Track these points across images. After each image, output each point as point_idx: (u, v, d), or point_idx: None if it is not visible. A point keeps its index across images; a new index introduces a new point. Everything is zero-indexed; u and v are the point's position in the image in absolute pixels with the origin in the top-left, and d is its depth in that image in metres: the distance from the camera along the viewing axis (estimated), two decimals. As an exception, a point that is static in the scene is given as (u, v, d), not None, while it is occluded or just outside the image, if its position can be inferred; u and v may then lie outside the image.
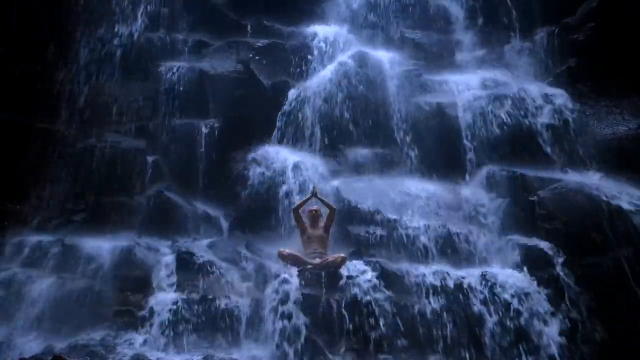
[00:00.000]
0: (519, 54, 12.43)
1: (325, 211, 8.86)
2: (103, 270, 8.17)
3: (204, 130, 10.74)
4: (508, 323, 7.43)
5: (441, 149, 10.33)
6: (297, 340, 7.34)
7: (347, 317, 7.54)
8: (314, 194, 8.90)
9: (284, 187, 9.75)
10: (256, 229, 9.50)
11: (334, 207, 8.87)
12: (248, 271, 8.49)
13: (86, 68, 11.34)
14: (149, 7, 12.44)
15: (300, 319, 7.46)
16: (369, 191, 9.48)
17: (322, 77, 11.34)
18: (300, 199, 9.18)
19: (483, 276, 7.79)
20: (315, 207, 8.90)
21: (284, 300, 7.59)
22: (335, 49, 12.28)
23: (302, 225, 8.75)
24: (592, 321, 7.42)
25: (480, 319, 7.47)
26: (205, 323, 7.64)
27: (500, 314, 7.48)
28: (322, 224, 8.72)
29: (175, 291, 7.95)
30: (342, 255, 8.11)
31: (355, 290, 7.70)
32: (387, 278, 7.82)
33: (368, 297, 7.63)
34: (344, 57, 11.58)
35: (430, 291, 7.67)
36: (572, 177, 8.99)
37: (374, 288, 7.72)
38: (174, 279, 8.14)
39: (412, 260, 8.37)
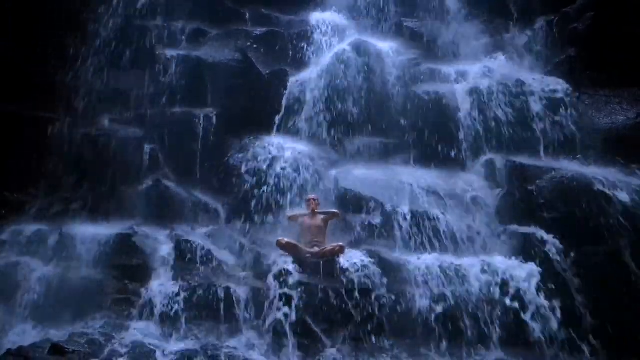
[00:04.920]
0: (519, 43, 12.38)
1: (326, 205, 8.87)
2: (101, 258, 8.18)
3: (202, 119, 10.69)
4: (506, 311, 7.44)
5: (440, 138, 10.32)
6: (294, 329, 7.36)
7: (345, 306, 7.55)
8: (313, 211, 8.79)
9: (282, 176, 9.71)
10: (254, 217, 9.48)
11: (337, 212, 8.84)
12: (246, 260, 8.51)
13: (83, 57, 11.28)
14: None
15: (298, 308, 7.48)
16: (368, 180, 9.47)
17: (321, 65, 11.27)
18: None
19: (481, 265, 7.78)
20: (313, 196, 8.90)
21: (282, 289, 7.60)
22: (334, 37, 12.21)
23: (300, 219, 8.76)
24: (589, 309, 7.43)
25: (478, 307, 7.48)
26: (203, 311, 7.67)
27: (498, 303, 7.49)
28: (321, 215, 8.72)
29: (173, 279, 7.97)
30: (341, 244, 8.12)
31: (353, 279, 7.69)
32: (385, 267, 7.84)
33: (366, 286, 7.64)
34: (343, 46, 11.51)
35: (429, 280, 7.67)
36: (571, 167, 8.97)
37: (372, 277, 7.72)
38: (172, 267, 8.15)
39: (411, 250, 8.38)
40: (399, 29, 12.91)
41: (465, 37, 12.89)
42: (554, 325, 7.32)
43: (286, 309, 7.47)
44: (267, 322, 7.52)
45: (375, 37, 12.12)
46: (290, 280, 7.66)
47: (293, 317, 7.43)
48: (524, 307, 7.43)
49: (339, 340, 7.40)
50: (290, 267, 7.85)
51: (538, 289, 7.51)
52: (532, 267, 7.69)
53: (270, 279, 7.77)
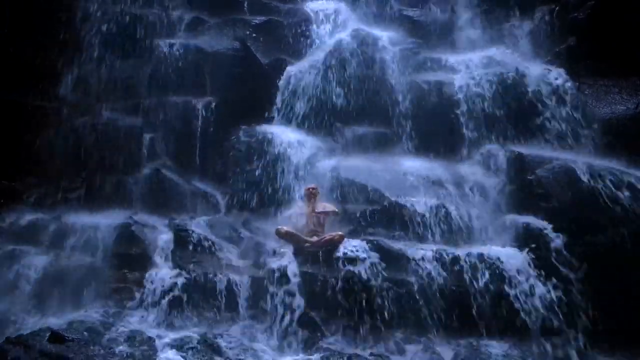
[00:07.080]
0: (519, 33, 12.33)
1: (324, 195, 8.85)
2: (100, 247, 8.20)
3: (201, 108, 10.67)
4: (505, 301, 7.43)
5: (439, 127, 10.29)
6: (294, 318, 7.38)
7: (344, 295, 7.54)
8: (312, 210, 8.74)
9: (281, 166, 9.71)
10: (253, 207, 9.48)
11: (337, 211, 8.78)
12: (245, 249, 8.50)
13: (82, 46, 11.25)
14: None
15: (298, 297, 7.49)
16: (367, 170, 9.44)
17: (320, 54, 11.24)
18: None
19: (480, 255, 7.76)
20: (312, 185, 8.89)
21: (281, 278, 7.61)
22: (333, 26, 12.21)
23: (300, 212, 8.75)
24: (588, 300, 7.43)
25: (477, 297, 7.48)
26: (202, 300, 7.69)
27: (498, 293, 7.48)
28: (320, 206, 8.71)
29: (172, 269, 7.97)
30: (340, 233, 8.09)
31: (353, 268, 7.68)
32: (385, 256, 7.81)
33: (365, 275, 7.62)
34: (342, 35, 11.49)
35: (428, 269, 7.66)
36: (570, 156, 8.96)
37: (371, 266, 7.70)
38: (171, 256, 8.16)
39: (410, 239, 8.35)
40: (399, 18, 12.88)
41: (465, 26, 12.86)
42: (553, 315, 7.34)
43: (285, 298, 7.48)
44: (266, 311, 7.53)
45: (375, 26, 12.09)
46: (290, 270, 7.67)
47: (292, 306, 7.44)
48: (523, 296, 7.43)
49: (338, 329, 7.41)
50: (290, 256, 7.86)
51: (537, 279, 7.54)
52: (531, 257, 7.70)
53: (270, 268, 7.78)
